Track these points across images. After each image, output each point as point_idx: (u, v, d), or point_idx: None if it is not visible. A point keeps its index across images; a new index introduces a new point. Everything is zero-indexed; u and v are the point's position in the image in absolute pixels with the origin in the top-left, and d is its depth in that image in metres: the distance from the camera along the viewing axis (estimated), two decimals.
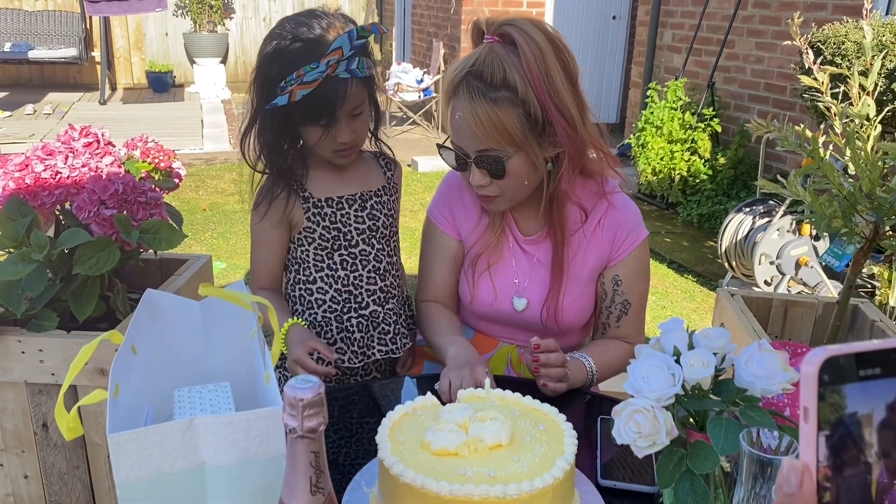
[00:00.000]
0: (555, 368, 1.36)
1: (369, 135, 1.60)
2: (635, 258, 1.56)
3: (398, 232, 1.69)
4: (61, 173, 1.63)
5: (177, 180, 1.90)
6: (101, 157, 1.70)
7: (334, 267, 1.58)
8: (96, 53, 9.48)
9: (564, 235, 1.52)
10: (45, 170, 1.62)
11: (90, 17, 9.15)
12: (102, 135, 1.76)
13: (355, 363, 1.60)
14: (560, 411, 1.11)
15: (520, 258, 1.57)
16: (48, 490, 1.66)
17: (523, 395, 1.15)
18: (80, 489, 1.66)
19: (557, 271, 1.53)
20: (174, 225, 1.67)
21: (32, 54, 8.86)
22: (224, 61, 10.13)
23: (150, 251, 1.64)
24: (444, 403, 1.12)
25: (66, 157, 1.66)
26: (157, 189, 1.68)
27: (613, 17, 8.05)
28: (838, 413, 0.40)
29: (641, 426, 0.95)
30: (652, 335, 1.08)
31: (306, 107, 1.42)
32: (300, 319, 1.52)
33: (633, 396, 0.98)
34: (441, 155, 1.48)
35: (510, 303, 1.57)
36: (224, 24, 10.11)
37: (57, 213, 1.69)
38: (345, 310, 1.60)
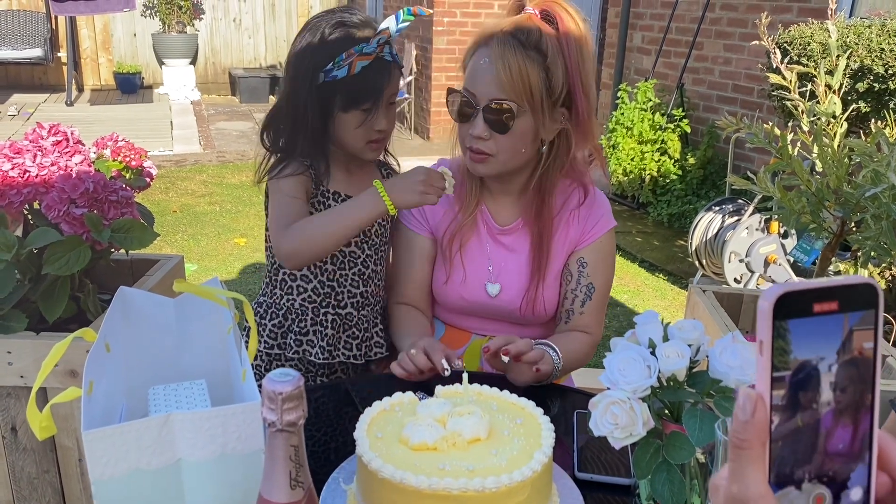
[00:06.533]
0: (533, 352, 1.35)
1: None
2: (601, 244, 1.58)
3: (389, 243, 1.68)
4: (30, 172, 1.60)
5: (148, 179, 1.88)
6: (71, 156, 1.67)
7: (323, 259, 1.57)
8: (62, 54, 9.32)
9: (548, 225, 1.54)
10: (12, 168, 1.59)
11: (56, 17, 9.00)
12: (72, 133, 1.73)
13: (320, 359, 1.59)
14: (537, 405, 1.12)
15: (493, 247, 1.59)
16: (17, 495, 1.63)
17: (500, 390, 1.16)
18: (51, 494, 1.63)
19: (537, 263, 1.55)
20: (146, 224, 1.65)
21: None
22: (193, 62, 10.02)
23: (122, 251, 1.62)
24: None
25: (35, 156, 1.63)
26: (128, 188, 1.66)
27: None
28: (792, 347, 0.42)
29: (618, 418, 0.96)
30: (626, 332, 1.09)
31: (352, 89, 1.45)
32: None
33: (608, 389, 0.99)
34: (447, 100, 1.50)
35: (483, 289, 1.58)
36: (193, 25, 10.00)
37: (25, 212, 1.66)
38: (323, 304, 1.60)
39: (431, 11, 1.48)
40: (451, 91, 1.48)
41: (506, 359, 1.32)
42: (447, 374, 1.33)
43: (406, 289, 1.64)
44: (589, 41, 1.45)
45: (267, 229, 1.62)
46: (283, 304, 1.61)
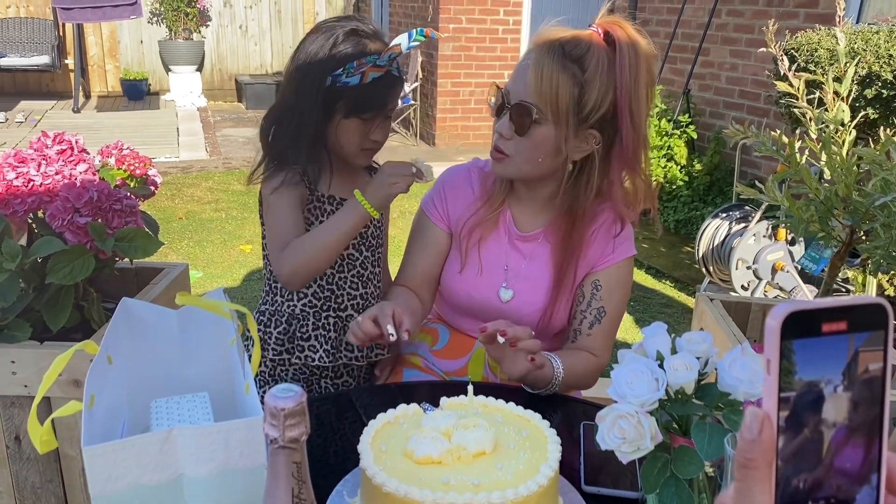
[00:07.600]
0: (530, 341, 1.31)
1: None
2: (619, 269, 1.55)
3: (385, 244, 1.69)
4: (34, 181, 1.60)
5: (152, 188, 1.87)
6: (75, 165, 1.67)
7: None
8: (69, 61, 9.36)
9: (577, 248, 1.53)
10: (17, 177, 1.59)
11: (63, 25, 9.04)
12: (76, 142, 1.73)
13: (325, 362, 1.60)
14: (543, 417, 1.10)
15: (511, 252, 1.58)
16: None
17: (506, 402, 1.14)
18: (55, 503, 1.63)
19: (558, 281, 1.54)
20: (150, 233, 1.65)
21: (4, 62, 8.74)
22: (200, 69, 10.05)
23: (126, 260, 1.61)
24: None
25: (39, 165, 1.63)
26: (132, 196, 1.65)
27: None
28: (797, 368, 0.41)
29: (626, 432, 0.94)
30: (634, 339, 1.08)
31: (359, 98, 1.47)
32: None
33: (616, 402, 0.98)
34: (488, 93, 1.51)
35: (496, 292, 1.57)
36: (200, 32, 10.03)
37: (29, 221, 1.66)
38: (324, 308, 1.60)
39: (442, 35, 1.50)
40: (496, 85, 1.50)
41: (501, 339, 1.28)
42: (393, 339, 1.29)
43: (410, 274, 1.63)
44: (652, 72, 1.43)
45: (264, 237, 1.63)
46: (285, 310, 1.62)
